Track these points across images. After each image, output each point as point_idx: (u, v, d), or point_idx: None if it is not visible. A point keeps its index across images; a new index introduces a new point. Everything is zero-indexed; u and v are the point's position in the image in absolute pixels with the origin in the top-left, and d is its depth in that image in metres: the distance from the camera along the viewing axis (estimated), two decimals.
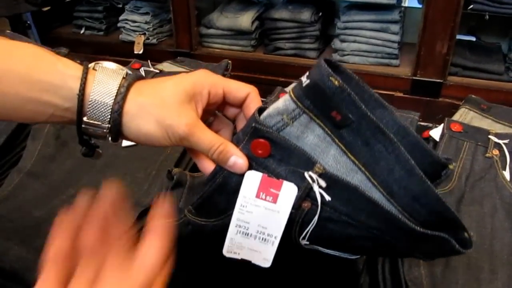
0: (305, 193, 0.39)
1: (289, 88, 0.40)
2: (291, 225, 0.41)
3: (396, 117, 0.42)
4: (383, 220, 0.38)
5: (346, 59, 1.56)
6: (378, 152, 0.39)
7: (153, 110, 0.43)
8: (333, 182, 0.38)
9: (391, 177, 0.39)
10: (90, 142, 0.47)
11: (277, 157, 0.40)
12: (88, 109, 0.41)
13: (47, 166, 0.83)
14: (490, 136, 0.65)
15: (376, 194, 0.39)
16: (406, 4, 1.57)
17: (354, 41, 1.53)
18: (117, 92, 0.42)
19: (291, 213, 0.40)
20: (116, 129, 0.42)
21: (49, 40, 1.89)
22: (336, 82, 0.37)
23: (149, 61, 0.98)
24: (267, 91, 0.95)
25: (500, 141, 0.64)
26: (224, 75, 0.93)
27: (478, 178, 0.61)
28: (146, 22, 1.75)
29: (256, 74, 1.65)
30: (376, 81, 1.48)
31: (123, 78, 0.43)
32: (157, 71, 0.95)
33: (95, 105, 0.42)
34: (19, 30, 1.76)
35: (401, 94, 1.45)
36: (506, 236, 0.53)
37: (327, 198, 0.39)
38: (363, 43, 1.52)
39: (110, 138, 0.44)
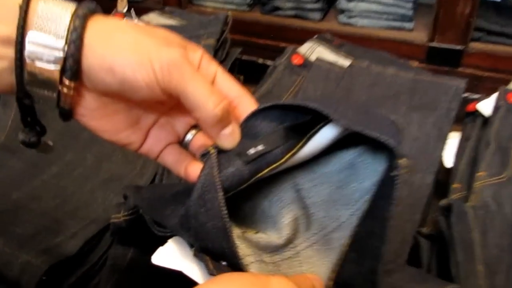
0: None
1: None
2: None
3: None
4: None
5: (354, 21, 1.43)
6: None
7: (129, 32, 0.33)
8: None
9: None
10: (34, 115, 0.38)
11: None
12: (37, 21, 0.32)
13: None
14: None
15: None
16: None
17: (363, 1, 1.40)
18: (73, 11, 0.33)
19: None
20: (76, 56, 0.32)
21: None
22: None
23: (132, 9, 0.84)
24: (266, 56, 0.85)
25: None
26: (223, 32, 0.79)
27: None
28: None
29: (253, 38, 1.51)
30: (387, 48, 1.33)
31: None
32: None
33: (46, 12, 0.32)
34: None
35: (416, 63, 1.32)
36: None
37: None
38: (373, 3, 1.39)
39: (62, 91, 0.34)
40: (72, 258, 0.59)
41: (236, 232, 0.40)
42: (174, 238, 0.39)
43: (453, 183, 0.61)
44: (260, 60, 1.00)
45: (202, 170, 0.35)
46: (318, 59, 0.75)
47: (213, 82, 0.38)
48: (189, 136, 0.41)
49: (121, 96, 0.35)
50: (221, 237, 0.33)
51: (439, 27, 1.26)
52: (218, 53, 0.79)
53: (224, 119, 0.35)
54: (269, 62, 0.81)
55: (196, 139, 0.41)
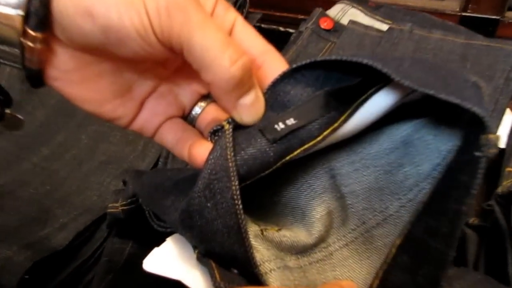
0: None
1: None
2: None
3: None
4: None
5: None
6: None
7: None
8: None
9: None
10: None
11: None
12: None
13: None
14: None
15: None
16: None
17: None
18: None
19: None
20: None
21: None
22: None
23: None
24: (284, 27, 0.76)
25: None
26: (233, 6, 0.69)
27: None
28: None
29: (270, 11, 1.41)
30: None
31: None
32: None
33: None
34: None
35: None
36: None
37: None
38: None
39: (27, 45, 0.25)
40: (61, 252, 0.52)
41: (252, 230, 0.32)
42: (173, 236, 0.30)
43: (507, 166, 0.52)
44: (282, 28, 0.90)
45: (211, 152, 0.26)
46: (351, 22, 0.64)
47: (230, 34, 0.29)
48: (197, 109, 0.32)
49: (106, 52, 0.26)
50: (233, 239, 0.26)
51: None
52: None
53: (244, 82, 0.26)
54: (291, 30, 0.71)
55: (206, 113, 0.32)
